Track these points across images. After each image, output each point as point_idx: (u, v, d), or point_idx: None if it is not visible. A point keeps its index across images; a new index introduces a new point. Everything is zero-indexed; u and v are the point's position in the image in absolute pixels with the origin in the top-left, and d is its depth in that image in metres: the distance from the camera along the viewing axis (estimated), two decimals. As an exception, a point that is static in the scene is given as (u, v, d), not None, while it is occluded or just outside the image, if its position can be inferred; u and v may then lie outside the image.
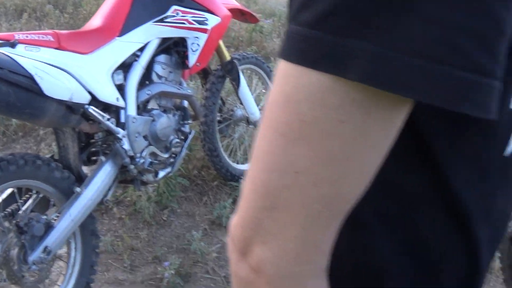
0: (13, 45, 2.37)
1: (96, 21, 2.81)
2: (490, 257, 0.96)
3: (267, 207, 0.68)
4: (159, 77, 2.99)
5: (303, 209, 0.67)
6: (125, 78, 2.79)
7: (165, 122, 2.96)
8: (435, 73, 0.60)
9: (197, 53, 3.11)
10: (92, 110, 2.56)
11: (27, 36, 2.45)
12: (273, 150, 0.67)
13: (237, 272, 0.74)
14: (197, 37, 3.11)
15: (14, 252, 2.45)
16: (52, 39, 2.52)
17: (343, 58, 0.60)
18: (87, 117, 2.60)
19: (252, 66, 4.00)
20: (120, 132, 2.68)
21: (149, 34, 2.89)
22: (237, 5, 3.63)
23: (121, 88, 2.75)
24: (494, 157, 0.83)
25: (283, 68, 0.66)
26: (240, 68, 3.69)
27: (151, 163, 2.89)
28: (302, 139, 0.64)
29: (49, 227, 2.53)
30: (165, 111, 3.03)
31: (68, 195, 2.60)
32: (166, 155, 3.04)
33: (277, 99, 0.66)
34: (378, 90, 0.60)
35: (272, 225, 0.69)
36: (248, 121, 3.95)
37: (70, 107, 2.46)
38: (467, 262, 0.89)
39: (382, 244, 0.84)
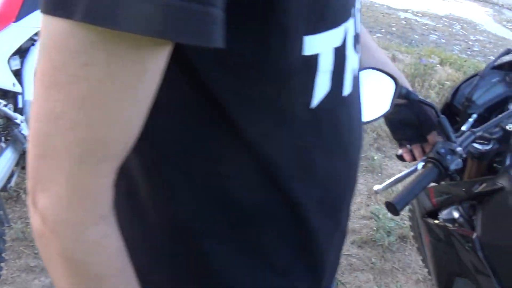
0: None
1: (-8, 8, 2.75)
2: (329, 219, 0.96)
3: (40, 155, 0.69)
4: (59, 60, 2.91)
5: (67, 154, 0.67)
6: (22, 63, 2.74)
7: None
8: (145, 3, 0.60)
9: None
10: (-12, 97, 2.51)
11: None
12: (37, 99, 0.67)
13: (32, 224, 0.74)
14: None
15: None
16: None
17: (71, 1, 0.61)
18: (-16, 104, 2.54)
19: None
20: (18, 118, 2.63)
21: (47, 17, 2.81)
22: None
23: (18, 74, 2.70)
24: (298, 109, 0.82)
25: (41, 21, 0.66)
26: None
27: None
28: (56, 85, 0.65)
29: (-50, 216, 2.48)
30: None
31: (-30, 184, 2.56)
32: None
33: (38, 51, 0.67)
34: (114, 31, 0.61)
35: (46, 172, 0.69)
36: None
37: (-36, 95, 2.41)
38: (292, 221, 0.89)
39: (189, 201, 0.84)
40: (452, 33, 10.17)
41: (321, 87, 0.82)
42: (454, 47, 9.19)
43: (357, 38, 0.93)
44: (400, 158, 1.73)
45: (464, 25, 10.96)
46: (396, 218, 3.64)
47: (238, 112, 0.78)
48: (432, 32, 9.97)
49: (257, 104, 0.79)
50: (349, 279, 3.15)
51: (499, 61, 1.94)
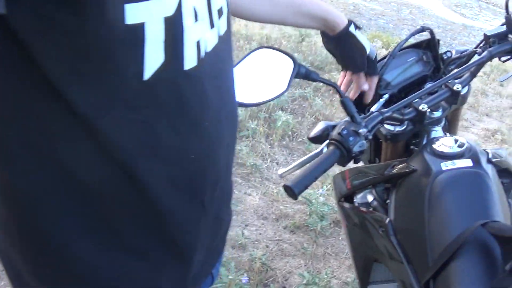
0: None
1: None
2: (187, 201, 0.92)
3: None
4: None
5: None
6: None
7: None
8: None
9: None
10: None
11: None
12: None
13: None
14: None
15: None
16: None
17: None
18: None
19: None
20: None
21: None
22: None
23: None
24: (129, 82, 0.77)
25: None
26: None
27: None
28: None
29: None
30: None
31: None
32: None
33: None
34: None
35: None
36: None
37: None
38: (140, 201, 0.86)
39: (29, 176, 0.81)
40: (400, 18, 10.21)
41: (153, 58, 0.77)
42: (402, 31, 9.23)
43: (217, 11, 0.89)
44: (312, 140, 1.67)
45: (413, 9, 11.01)
46: (330, 202, 3.60)
47: (66, 85, 0.74)
48: (380, 17, 10.00)
49: (85, 77, 0.75)
50: (279, 264, 3.09)
51: (414, 40, 1.89)
